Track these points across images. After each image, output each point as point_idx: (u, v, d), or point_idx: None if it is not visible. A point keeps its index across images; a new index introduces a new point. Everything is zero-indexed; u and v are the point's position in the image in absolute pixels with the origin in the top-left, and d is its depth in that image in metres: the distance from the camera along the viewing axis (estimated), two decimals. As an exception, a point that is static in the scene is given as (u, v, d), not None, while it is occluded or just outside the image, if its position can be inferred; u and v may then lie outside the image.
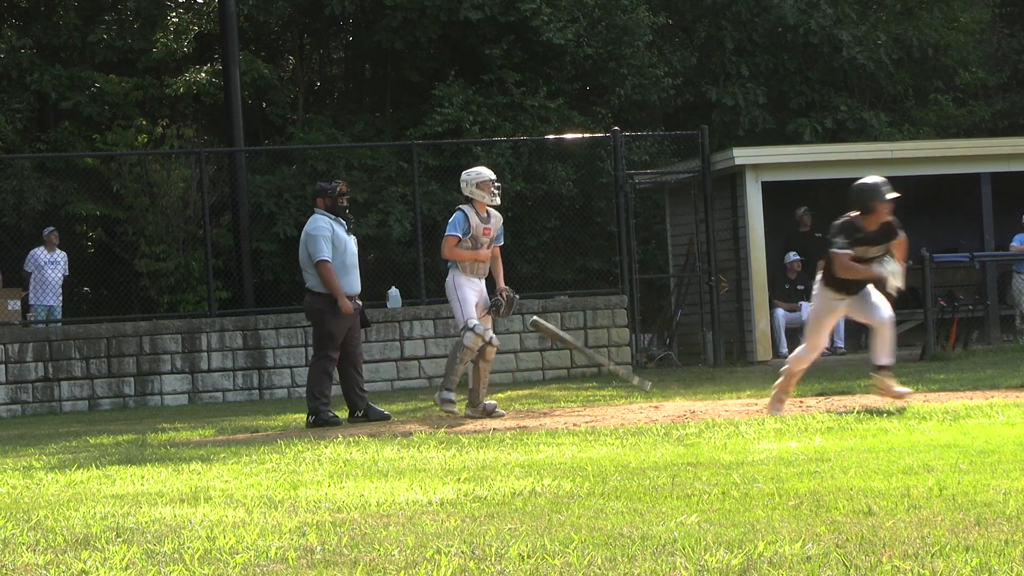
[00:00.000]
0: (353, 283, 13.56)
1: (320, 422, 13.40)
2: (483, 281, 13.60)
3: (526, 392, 17.48)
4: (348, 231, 13.66)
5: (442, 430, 11.95)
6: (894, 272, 11.65)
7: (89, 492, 8.33)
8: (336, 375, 13.70)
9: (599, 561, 5.32)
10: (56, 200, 24.05)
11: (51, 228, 22.00)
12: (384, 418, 13.64)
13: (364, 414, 13.61)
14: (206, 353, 19.76)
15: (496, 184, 13.62)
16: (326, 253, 13.39)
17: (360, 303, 13.64)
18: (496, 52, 26.04)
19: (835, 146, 24.44)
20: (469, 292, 13.40)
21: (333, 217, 13.58)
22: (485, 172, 13.71)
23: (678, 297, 23.04)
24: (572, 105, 26.48)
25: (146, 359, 19.64)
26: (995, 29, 30.78)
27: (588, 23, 26.59)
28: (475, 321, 13.25)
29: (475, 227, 13.42)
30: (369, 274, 24.71)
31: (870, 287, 12.11)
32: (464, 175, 13.73)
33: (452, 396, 13.42)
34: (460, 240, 13.37)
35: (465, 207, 13.53)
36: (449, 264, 13.48)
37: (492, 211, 13.57)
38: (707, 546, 5.50)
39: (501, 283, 13.72)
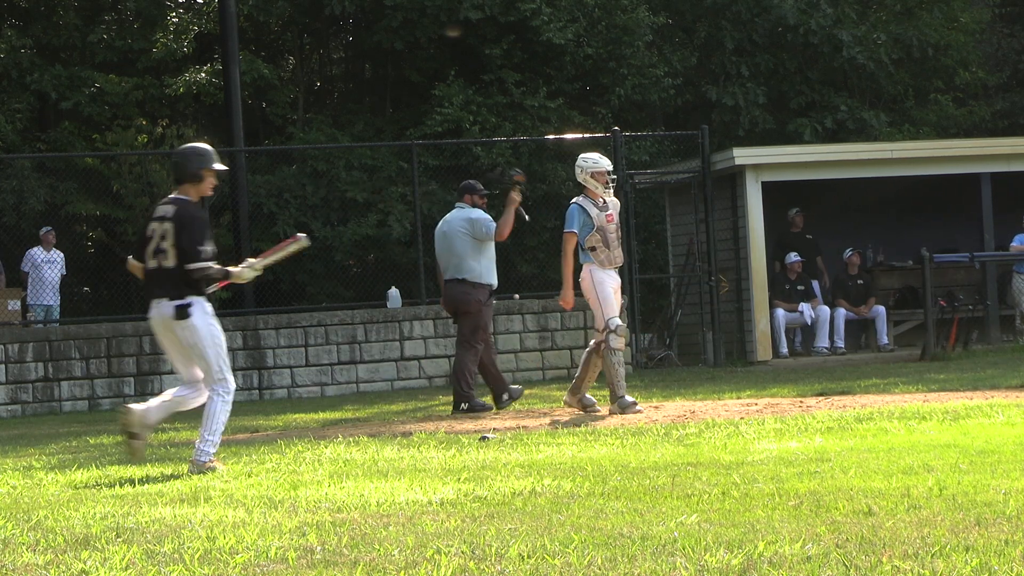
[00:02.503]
0: (494, 276, 14.31)
1: (474, 408, 13.92)
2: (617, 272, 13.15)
3: (526, 392, 17.47)
4: None
5: (442, 430, 11.95)
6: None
7: (89, 492, 8.33)
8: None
9: (599, 561, 5.32)
10: (56, 200, 24.06)
11: (48, 228, 21.98)
12: (487, 410, 14.08)
13: (468, 407, 14.06)
14: (206, 353, 19.73)
15: (612, 176, 13.13)
16: (491, 230, 14.09)
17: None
18: (496, 52, 26.04)
19: (835, 146, 24.44)
20: (609, 289, 12.92)
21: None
22: (603, 162, 13.11)
23: (678, 297, 23.04)
24: (572, 105, 26.49)
25: (146, 359, 19.63)
26: (995, 29, 30.78)
27: (588, 23, 26.59)
28: (617, 321, 12.88)
29: (596, 217, 12.92)
30: (369, 274, 24.78)
31: None
32: (580, 160, 13.13)
33: (628, 397, 12.99)
34: (581, 236, 12.90)
35: (579, 199, 13.03)
36: (583, 258, 13.00)
37: (607, 198, 13.05)
38: (707, 546, 5.51)
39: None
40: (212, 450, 9.51)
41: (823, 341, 22.15)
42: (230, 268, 10.06)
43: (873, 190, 23.46)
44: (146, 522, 6.82)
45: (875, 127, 27.23)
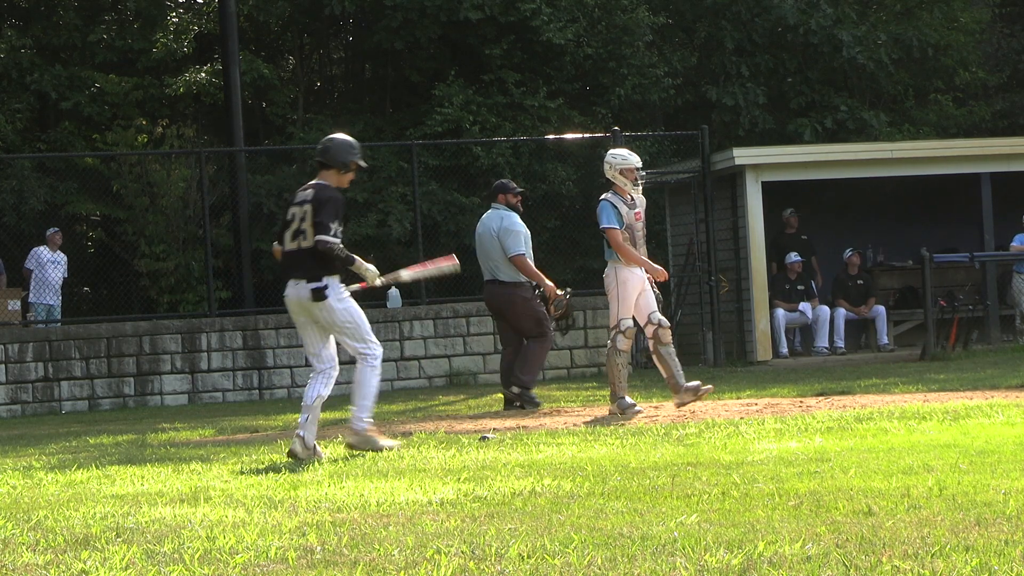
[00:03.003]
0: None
1: (526, 398, 14.00)
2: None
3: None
4: None
5: (442, 430, 11.94)
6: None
7: (89, 492, 8.33)
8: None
9: (599, 561, 5.32)
10: (56, 200, 24.05)
11: (55, 229, 21.96)
12: (537, 405, 14.08)
13: (521, 394, 14.19)
14: (206, 353, 19.76)
15: (640, 172, 13.06)
16: (523, 248, 14.11)
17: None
18: (496, 52, 26.04)
19: (835, 146, 24.44)
20: (631, 290, 12.79)
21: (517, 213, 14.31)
22: (632, 158, 13.02)
23: (678, 297, 23.04)
24: (572, 105, 26.48)
25: (146, 359, 19.64)
26: (995, 29, 30.77)
27: (588, 23, 26.58)
28: (628, 323, 12.76)
29: (626, 215, 12.85)
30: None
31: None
32: (609, 156, 13.07)
33: (628, 399, 12.84)
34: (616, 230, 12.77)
35: (608, 196, 12.93)
36: (607, 255, 12.89)
37: (636, 195, 12.99)
38: (707, 546, 5.50)
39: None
40: (367, 415, 10.01)
41: (823, 341, 22.15)
42: (366, 264, 10.32)
43: (873, 190, 23.46)
44: (146, 522, 6.81)
45: (875, 127, 27.22)
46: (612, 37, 26.65)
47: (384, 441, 10.19)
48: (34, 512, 7.39)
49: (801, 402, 13.12)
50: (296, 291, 10.06)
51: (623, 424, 11.75)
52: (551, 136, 24.74)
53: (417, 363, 20.13)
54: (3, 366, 19.24)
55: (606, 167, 12.98)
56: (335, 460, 9.69)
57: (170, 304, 23.61)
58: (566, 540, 5.77)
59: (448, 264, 11.25)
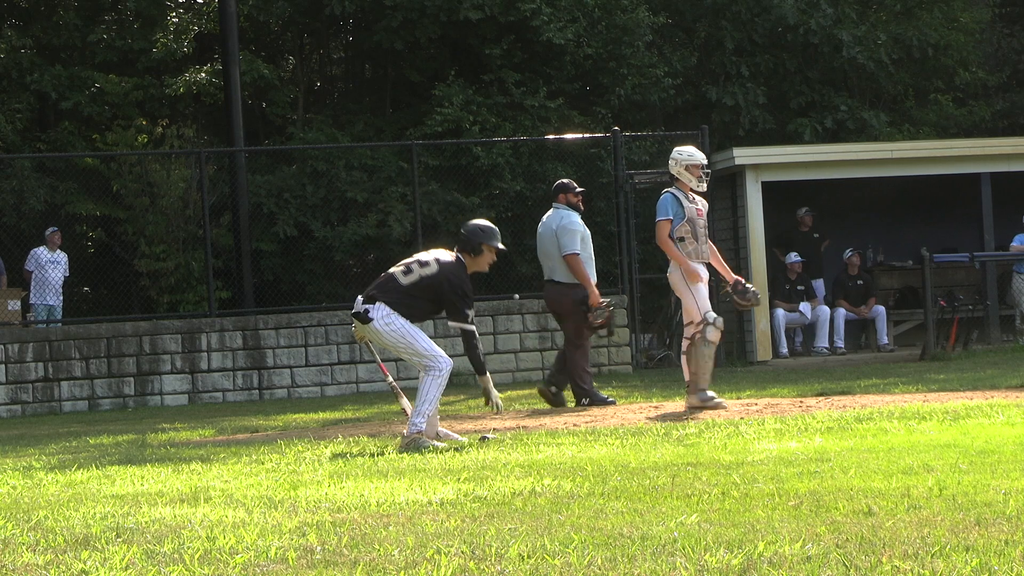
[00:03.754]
0: (594, 274, 14.42)
1: (595, 402, 14.05)
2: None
3: (526, 392, 17.47)
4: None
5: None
6: None
7: (89, 492, 8.33)
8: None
9: (599, 561, 5.32)
10: (56, 200, 24.04)
11: (54, 228, 21.96)
12: (610, 404, 14.07)
13: (590, 401, 14.20)
14: (206, 353, 19.76)
15: (706, 170, 13.03)
16: (578, 247, 14.17)
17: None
18: (496, 52, 26.04)
19: (835, 146, 24.45)
20: (701, 283, 12.85)
21: (577, 214, 14.40)
22: (697, 155, 13.04)
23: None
24: (572, 105, 26.46)
25: (146, 359, 19.64)
26: (995, 29, 30.76)
27: (588, 23, 26.57)
28: (714, 314, 12.79)
29: (688, 209, 12.84)
30: (369, 274, 24.76)
31: None
32: (675, 152, 13.09)
33: (710, 392, 12.82)
34: (672, 225, 12.77)
35: (672, 189, 12.95)
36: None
37: (699, 192, 12.98)
38: (707, 546, 5.51)
39: (731, 275, 13.30)
40: (420, 421, 10.30)
41: (823, 341, 22.16)
42: (493, 388, 10.96)
43: (873, 190, 23.46)
44: (146, 522, 6.81)
45: (875, 127, 27.21)
46: (612, 37, 26.64)
47: (432, 441, 10.39)
48: (34, 512, 7.39)
49: (801, 402, 13.12)
50: (355, 304, 10.52)
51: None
52: (551, 136, 24.73)
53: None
54: (3, 366, 19.24)
55: (671, 163, 12.99)
56: (335, 460, 9.69)
57: (170, 304, 23.60)
58: (566, 540, 5.77)
59: (405, 403, 11.35)
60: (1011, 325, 22.21)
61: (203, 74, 26.57)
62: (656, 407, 13.51)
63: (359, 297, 10.55)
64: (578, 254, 14.21)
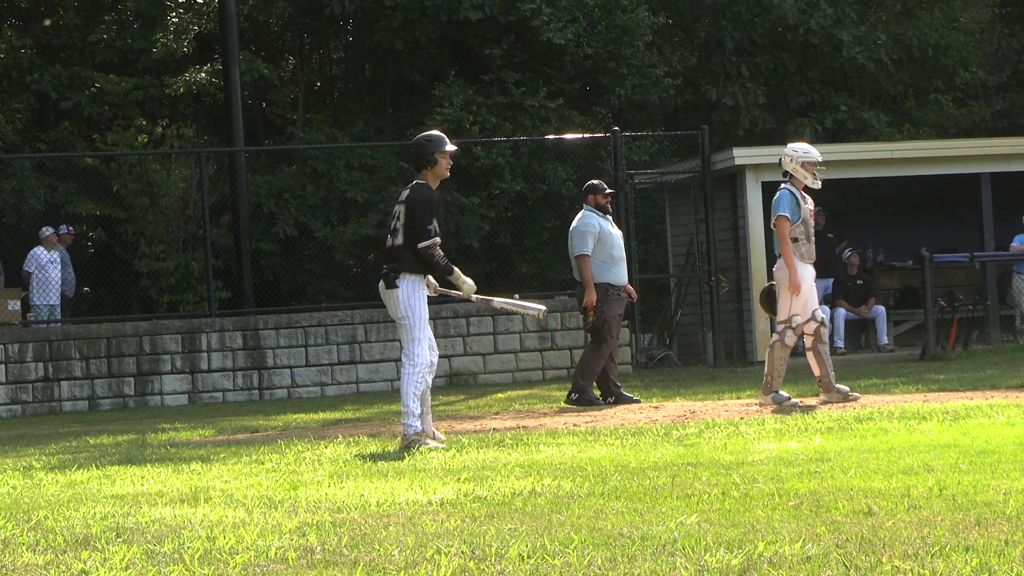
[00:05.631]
0: (621, 274, 14.36)
1: (582, 399, 14.07)
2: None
3: (526, 392, 17.48)
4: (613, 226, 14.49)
5: (442, 430, 11.94)
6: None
7: (89, 492, 8.33)
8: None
9: (599, 561, 5.32)
10: (56, 200, 24.04)
11: (51, 229, 21.92)
12: (633, 402, 14.09)
13: (615, 399, 14.18)
14: (206, 353, 19.75)
15: (820, 167, 12.86)
16: (588, 248, 14.16)
17: (626, 293, 14.55)
18: (496, 52, 26.04)
19: (835, 146, 24.43)
20: (810, 283, 12.66)
21: (601, 214, 14.36)
22: (813, 151, 12.87)
23: (678, 297, 23.04)
24: (572, 105, 26.47)
25: (146, 359, 19.63)
26: (995, 29, 30.76)
27: (588, 23, 26.58)
28: (800, 319, 12.62)
29: (804, 210, 12.67)
30: (369, 274, 24.77)
31: None
32: (790, 148, 12.91)
33: (783, 392, 12.71)
34: (791, 223, 12.58)
35: (790, 186, 12.75)
36: (780, 249, 12.69)
37: (817, 186, 12.80)
38: (707, 546, 5.51)
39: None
40: (410, 421, 10.35)
41: (823, 341, 22.15)
42: (464, 277, 10.74)
43: (873, 190, 23.44)
44: (146, 522, 6.81)
45: (875, 127, 27.22)
46: (612, 37, 26.64)
47: (432, 442, 10.48)
48: (34, 512, 7.38)
49: (801, 402, 13.12)
50: (382, 284, 10.54)
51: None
52: (551, 136, 24.73)
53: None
54: (3, 366, 19.24)
55: (785, 160, 12.81)
56: (335, 460, 9.69)
57: (170, 304, 23.60)
58: (566, 540, 5.77)
59: (536, 307, 11.52)
60: (1011, 325, 22.20)
61: (203, 74, 26.57)
62: (656, 407, 13.51)
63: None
64: (586, 255, 14.21)
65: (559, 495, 7.26)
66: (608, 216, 14.49)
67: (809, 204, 12.82)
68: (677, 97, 27.71)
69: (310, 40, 29.84)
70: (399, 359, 19.97)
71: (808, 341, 12.84)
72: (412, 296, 10.41)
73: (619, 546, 5.61)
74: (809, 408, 12.27)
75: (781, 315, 12.74)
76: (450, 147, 10.65)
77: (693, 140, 23.17)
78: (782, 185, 12.83)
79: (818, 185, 12.78)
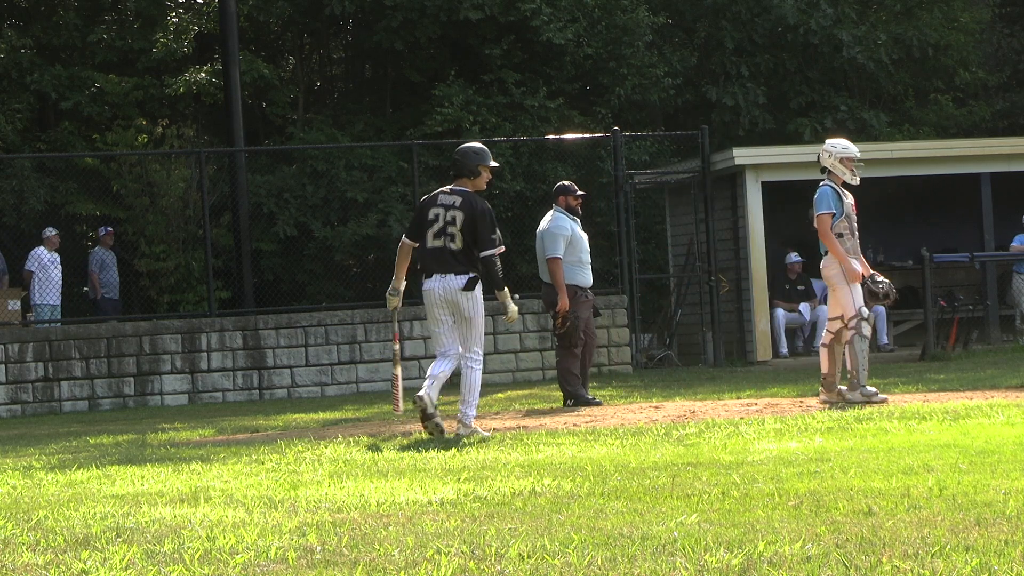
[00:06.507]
0: (588, 277, 14.42)
1: (579, 403, 14.09)
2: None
3: (526, 392, 17.48)
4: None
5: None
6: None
7: (89, 492, 8.33)
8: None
9: (599, 561, 5.32)
10: (56, 200, 24.04)
11: (53, 230, 21.89)
12: (595, 405, 14.11)
13: (575, 401, 14.18)
14: (206, 353, 19.76)
15: (859, 163, 12.78)
16: (560, 251, 14.19)
17: (592, 295, 14.63)
18: (496, 52, 26.04)
19: (835, 146, 24.42)
20: (857, 278, 12.57)
21: (571, 216, 14.41)
22: (852, 148, 12.82)
23: (678, 297, 23.04)
24: (572, 105, 26.47)
25: (146, 359, 19.63)
26: (995, 29, 30.77)
27: (588, 23, 26.58)
28: (867, 310, 12.52)
29: (846, 205, 12.60)
30: (369, 274, 24.78)
31: None
32: (829, 144, 12.85)
33: (871, 388, 12.56)
34: (834, 219, 12.49)
35: (831, 183, 12.67)
36: (822, 249, 12.62)
37: (856, 183, 12.73)
38: (707, 546, 5.51)
39: (868, 268, 12.92)
40: (472, 412, 11.11)
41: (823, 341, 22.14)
42: (509, 297, 11.36)
43: (873, 190, 23.43)
44: (146, 522, 6.81)
45: (875, 127, 27.22)
46: (612, 37, 26.65)
47: (485, 432, 11.11)
48: (34, 512, 7.39)
49: (801, 402, 13.12)
50: (443, 283, 10.99)
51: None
52: (551, 136, 24.73)
53: (417, 363, 20.11)
54: (3, 366, 19.24)
55: (824, 155, 12.76)
56: (335, 460, 9.69)
57: (170, 304, 23.60)
58: (566, 540, 5.77)
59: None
60: (1011, 325, 22.20)
61: (203, 74, 26.57)
62: (656, 407, 13.51)
63: (445, 274, 10.96)
64: (559, 258, 14.18)
65: (559, 495, 7.26)
66: (577, 219, 14.47)
67: (850, 199, 12.73)
68: (677, 97, 27.72)
69: (310, 40, 29.84)
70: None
71: (827, 337, 12.78)
72: (480, 297, 11.01)
73: (619, 546, 5.61)
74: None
75: (848, 311, 12.63)
76: (493, 163, 11.24)
77: (693, 140, 23.17)
78: (821, 183, 12.76)
79: (856, 181, 12.73)
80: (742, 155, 21.89)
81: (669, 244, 23.90)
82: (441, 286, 10.98)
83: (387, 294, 11.61)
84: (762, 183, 21.66)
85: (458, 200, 11.01)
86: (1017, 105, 29.72)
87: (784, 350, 21.94)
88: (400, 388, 11.70)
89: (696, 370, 20.56)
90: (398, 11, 25.89)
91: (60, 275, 21.50)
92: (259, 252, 23.87)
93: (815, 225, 12.68)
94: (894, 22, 28.88)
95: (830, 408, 12.17)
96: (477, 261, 10.97)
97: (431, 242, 11.04)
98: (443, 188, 11.24)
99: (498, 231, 11.07)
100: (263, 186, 24.28)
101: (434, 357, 11.40)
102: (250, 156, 23.47)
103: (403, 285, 11.49)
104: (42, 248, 21.53)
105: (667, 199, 24.12)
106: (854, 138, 26.83)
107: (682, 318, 22.76)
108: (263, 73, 26.12)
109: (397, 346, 11.87)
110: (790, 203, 22.74)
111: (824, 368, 12.82)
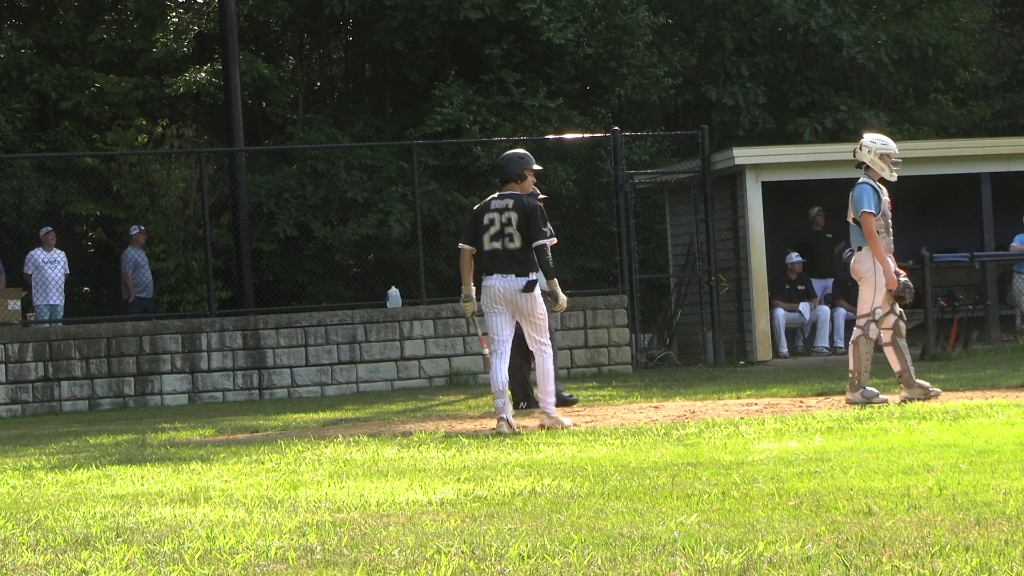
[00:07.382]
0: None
1: (561, 401, 14.06)
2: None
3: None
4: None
5: (442, 430, 11.95)
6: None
7: (89, 492, 8.33)
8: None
9: (599, 561, 5.32)
10: (56, 200, 24.04)
11: (48, 228, 21.91)
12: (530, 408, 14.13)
13: (528, 403, 14.16)
14: (206, 353, 19.76)
15: (898, 160, 12.74)
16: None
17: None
18: (496, 52, 26.04)
19: (835, 146, 24.40)
20: (883, 279, 12.54)
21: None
22: (891, 144, 12.78)
23: (678, 297, 23.04)
24: (572, 105, 26.47)
25: (146, 359, 19.63)
26: (995, 29, 30.76)
27: (588, 23, 26.58)
28: (880, 312, 12.44)
29: (884, 203, 12.55)
30: (369, 274, 24.78)
31: None
32: (869, 140, 12.78)
33: (872, 389, 12.40)
34: (876, 218, 12.41)
35: (870, 180, 12.62)
36: (859, 240, 12.53)
37: (893, 179, 12.66)
38: (707, 546, 5.50)
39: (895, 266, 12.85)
40: (552, 400, 11.74)
41: (823, 341, 22.14)
42: (560, 291, 11.80)
43: (873, 190, 23.37)
44: (146, 522, 6.81)
45: (875, 127, 27.21)
46: (612, 37, 26.65)
47: (567, 420, 11.76)
48: (34, 512, 7.39)
49: (801, 402, 13.12)
50: (504, 283, 11.58)
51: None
52: (551, 136, 24.73)
53: (417, 363, 20.13)
54: (3, 366, 19.24)
55: (863, 151, 12.64)
56: (335, 460, 9.69)
57: (170, 304, 23.60)
58: (566, 540, 5.77)
59: (483, 350, 12.64)
60: (1011, 325, 22.20)
61: (203, 74, 26.57)
62: (656, 407, 13.51)
63: (506, 274, 11.52)
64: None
65: (559, 495, 7.26)
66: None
67: (886, 196, 12.63)
68: (677, 97, 27.72)
69: (310, 40, 29.84)
70: (399, 359, 20.13)
71: (886, 336, 12.58)
72: (539, 296, 11.68)
73: (619, 546, 5.61)
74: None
75: (863, 308, 12.55)
76: (537, 166, 12.07)
77: (693, 140, 23.17)
78: (860, 180, 12.63)
79: (894, 178, 12.62)
80: (742, 155, 21.88)
81: (669, 244, 23.90)
82: (502, 284, 11.57)
83: (461, 302, 12.13)
84: (762, 183, 21.66)
85: (510, 203, 11.68)
86: (1017, 105, 29.71)
87: (784, 350, 21.93)
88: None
89: (696, 370, 20.56)
90: (398, 11, 25.89)
91: (61, 274, 21.48)
92: (259, 252, 23.87)
93: (853, 222, 12.55)
94: (894, 22, 28.87)
95: (909, 403, 11.91)
96: (533, 259, 11.54)
97: (488, 245, 11.65)
98: (493, 195, 11.90)
99: (549, 225, 11.67)
100: (263, 186, 24.28)
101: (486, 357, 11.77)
102: (250, 156, 23.47)
103: (473, 290, 11.91)
104: (38, 250, 21.51)
105: (667, 199, 24.11)
106: (854, 138, 26.85)
107: (682, 318, 22.76)
108: (263, 73, 26.12)
109: (486, 351, 12.12)
110: (790, 203, 22.75)
111: (895, 367, 12.56)
